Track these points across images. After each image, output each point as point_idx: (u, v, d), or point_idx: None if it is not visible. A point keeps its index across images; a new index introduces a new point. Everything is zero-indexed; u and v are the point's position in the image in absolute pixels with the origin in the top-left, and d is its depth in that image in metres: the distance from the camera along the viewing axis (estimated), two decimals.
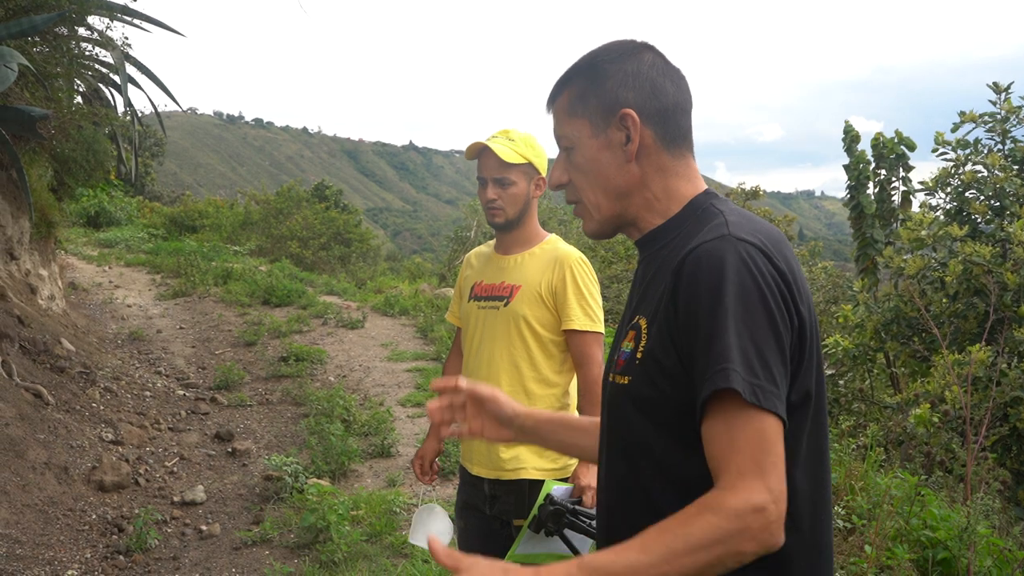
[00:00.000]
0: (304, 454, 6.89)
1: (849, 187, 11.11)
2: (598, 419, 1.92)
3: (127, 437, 6.75)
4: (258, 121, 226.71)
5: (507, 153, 3.03)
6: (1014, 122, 10.04)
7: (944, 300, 8.75)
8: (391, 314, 12.60)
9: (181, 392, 8.52)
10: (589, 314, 3.07)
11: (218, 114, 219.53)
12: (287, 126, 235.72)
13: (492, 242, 3.37)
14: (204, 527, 5.66)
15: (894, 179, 10.96)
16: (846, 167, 11.15)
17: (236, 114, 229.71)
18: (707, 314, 1.39)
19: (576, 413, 3.22)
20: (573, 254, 3.13)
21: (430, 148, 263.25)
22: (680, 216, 1.62)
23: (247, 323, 11.51)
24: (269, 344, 10.55)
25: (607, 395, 1.65)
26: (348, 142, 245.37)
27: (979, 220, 9.86)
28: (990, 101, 10.16)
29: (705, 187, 1.66)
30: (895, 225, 10.95)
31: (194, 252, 16.01)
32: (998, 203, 9.49)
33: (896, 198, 11.00)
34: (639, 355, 1.52)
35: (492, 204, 3.09)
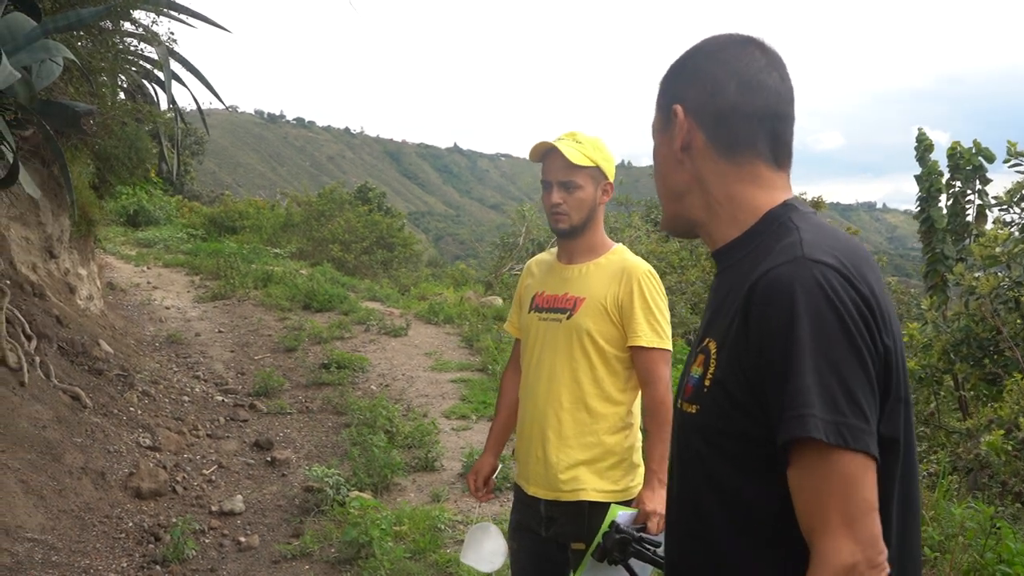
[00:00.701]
0: (345, 465, 6.87)
1: (920, 199, 10.92)
2: None
3: (165, 443, 6.78)
4: (299, 120, 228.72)
5: (574, 155, 2.98)
6: None
7: (1019, 321, 8.56)
8: (435, 322, 12.59)
9: (220, 398, 8.55)
10: (657, 330, 3.00)
11: (259, 113, 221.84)
12: (329, 126, 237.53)
13: (554, 250, 3.32)
14: (243, 538, 5.65)
15: (969, 192, 10.75)
16: (917, 178, 10.96)
17: (277, 113, 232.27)
18: (780, 350, 1.33)
19: (640, 434, 3.15)
20: (641, 266, 3.07)
21: (475, 151, 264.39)
22: (755, 229, 1.55)
23: (287, 328, 11.55)
24: (310, 350, 10.58)
25: (676, 422, 1.61)
26: (391, 143, 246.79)
27: None
28: None
29: (786, 197, 1.57)
30: (968, 241, 10.74)
31: (234, 254, 16.15)
32: None
33: (971, 212, 10.79)
34: (707, 383, 1.47)
35: (557, 209, 3.04)
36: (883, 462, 1.35)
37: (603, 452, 3.02)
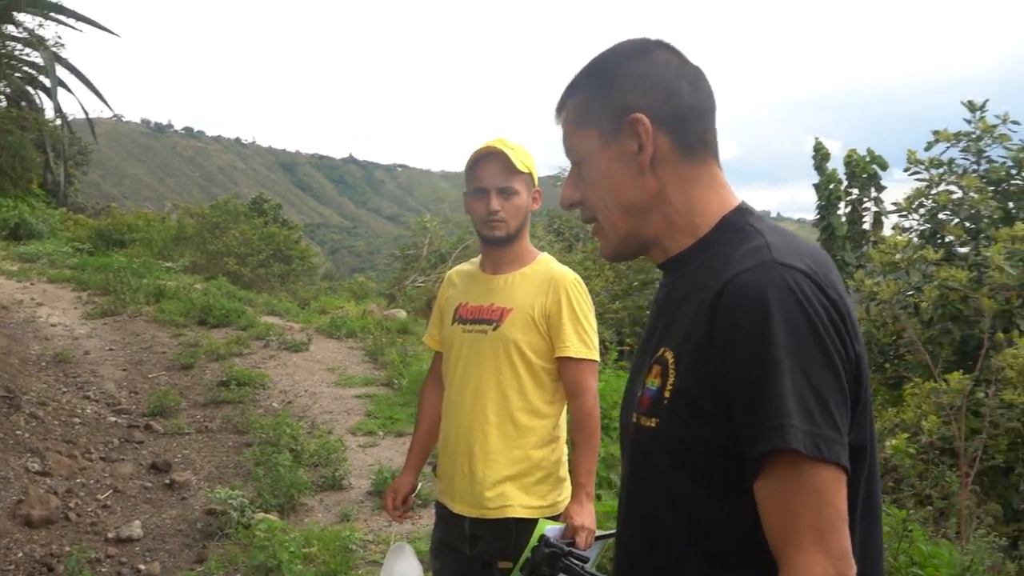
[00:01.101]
0: (249, 486, 6.71)
1: (819, 207, 11.20)
2: None
3: (56, 467, 6.53)
4: (188, 130, 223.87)
5: (515, 160, 2.96)
6: (988, 141, 10.19)
7: (918, 326, 8.82)
8: (337, 336, 12.43)
9: (113, 419, 8.27)
10: (585, 340, 3.00)
11: (146, 122, 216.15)
12: (219, 136, 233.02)
13: (476, 260, 3.28)
14: (142, 566, 5.46)
15: (866, 199, 11.07)
16: (816, 186, 11.24)
17: (165, 122, 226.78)
18: (754, 357, 1.30)
19: (566, 448, 3.14)
20: (568, 275, 3.06)
21: (371, 161, 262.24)
22: (711, 236, 1.52)
23: (183, 345, 11.26)
24: (207, 367, 10.32)
25: (630, 437, 1.55)
26: (284, 154, 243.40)
27: (954, 243, 9.97)
28: (965, 120, 10.30)
29: (738, 201, 1.56)
30: (866, 247, 11.05)
31: (123, 268, 15.65)
32: (973, 226, 9.61)
33: (868, 219, 11.11)
34: (667, 394, 1.43)
35: (495, 216, 3.00)
36: (852, 470, 1.33)
37: (530, 467, 2.99)
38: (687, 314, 1.44)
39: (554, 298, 2.99)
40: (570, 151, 1.62)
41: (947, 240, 10.13)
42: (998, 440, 6.88)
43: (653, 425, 1.45)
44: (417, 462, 3.38)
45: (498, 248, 3.09)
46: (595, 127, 1.56)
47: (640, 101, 1.52)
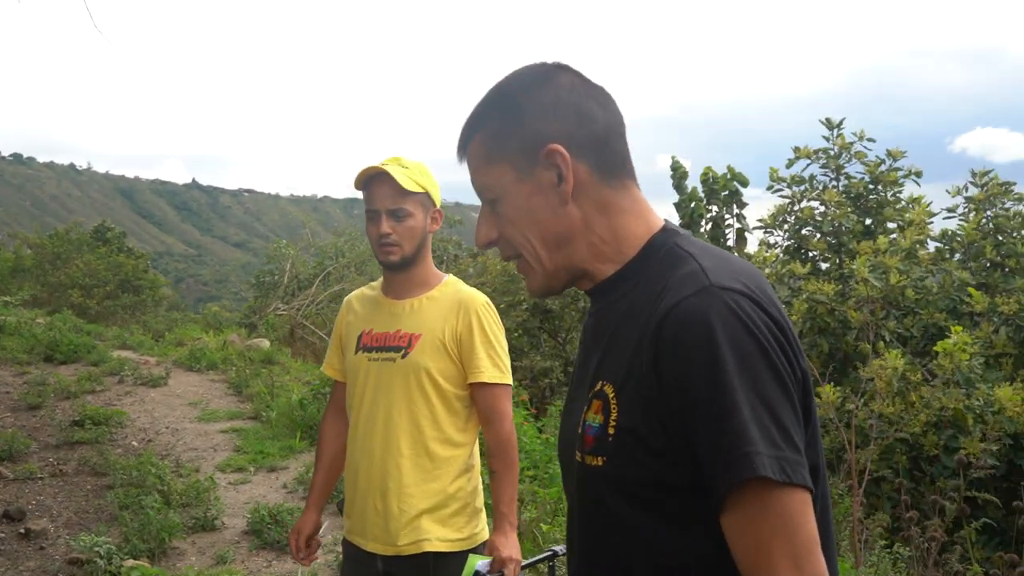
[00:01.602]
0: (114, 531, 6.40)
1: (681, 226, 11.46)
2: None
3: None
4: (17, 156, 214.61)
5: (405, 180, 2.88)
6: (847, 158, 10.65)
7: None
8: (197, 369, 12.12)
9: None
10: (498, 364, 2.96)
11: None
12: (51, 162, 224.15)
13: (376, 284, 3.21)
14: None
15: (728, 216, 11.38)
16: (677, 205, 11.50)
17: None
18: (706, 388, 1.26)
19: (479, 476, 3.08)
20: (478, 297, 3.01)
21: (216, 187, 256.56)
22: (638, 260, 1.50)
23: (28, 383, 10.76)
24: (57, 407, 9.87)
25: (575, 477, 1.50)
26: (123, 180, 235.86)
27: (817, 257, 10.37)
28: (823, 137, 10.75)
29: (662, 222, 1.54)
30: None
31: None
32: (835, 240, 10.01)
33: (731, 236, 11.42)
34: (611, 431, 1.38)
35: (386, 240, 2.92)
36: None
37: (445, 499, 2.93)
38: (625, 345, 1.41)
39: (465, 322, 2.94)
40: (482, 189, 1.56)
41: (811, 255, 10.51)
42: (868, 450, 7.15)
43: (600, 463, 1.41)
44: (320, 499, 3.27)
45: (399, 272, 3.01)
46: (508, 161, 1.51)
47: (553, 129, 1.48)
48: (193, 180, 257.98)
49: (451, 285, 3.06)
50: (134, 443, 8.81)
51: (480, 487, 3.07)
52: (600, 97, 1.53)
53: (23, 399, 10.08)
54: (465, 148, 1.57)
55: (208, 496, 7.04)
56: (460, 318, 2.94)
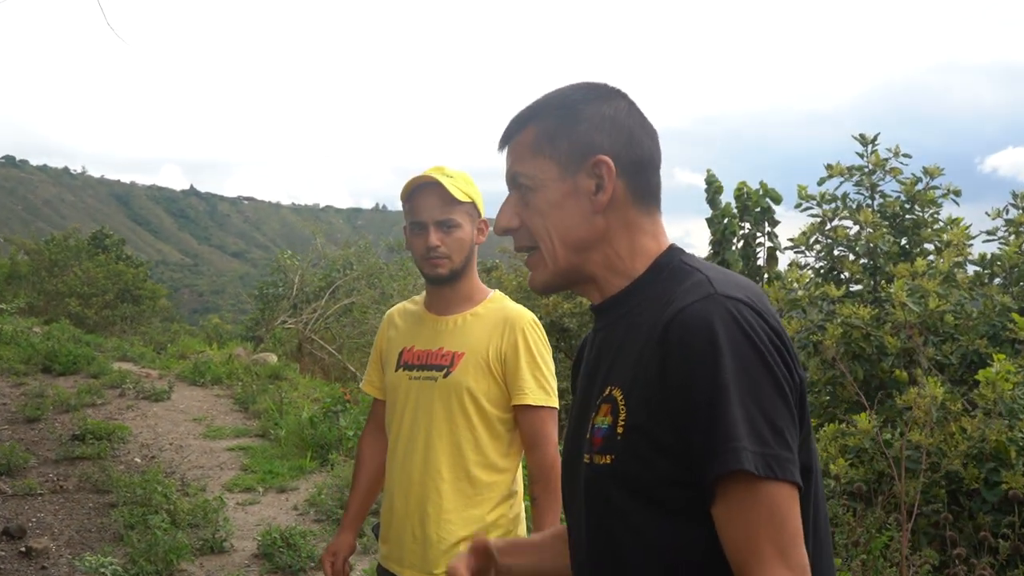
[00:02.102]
0: (119, 552, 6.34)
1: (713, 243, 11.36)
2: (555, 529, 1.98)
3: None
4: (9, 159, 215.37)
5: (454, 189, 2.83)
6: (881, 175, 10.55)
7: (820, 365, 9.00)
8: (201, 383, 12.09)
9: None
10: (544, 387, 2.88)
11: None
12: (44, 165, 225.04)
13: (419, 298, 3.15)
14: None
15: (759, 234, 11.29)
16: (709, 220, 11.42)
17: None
18: (705, 386, 1.38)
19: (521, 503, 3.02)
20: (526, 315, 2.94)
21: (214, 194, 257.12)
22: (646, 277, 1.62)
23: (26, 395, 10.76)
24: (57, 420, 9.85)
25: (582, 479, 1.59)
26: (119, 185, 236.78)
27: (850, 279, 10.26)
28: (857, 154, 10.67)
29: (670, 243, 1.67)
30: (760, 283, 11.26)
31: None
32: (870, 261, 9.92)
33: (761, 255, 11.33)
34: (620, 430, 1.49)
35: (435, 252, 2.86)
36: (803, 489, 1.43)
37: (486, 526, 2.85)
38: (631, 353, 1.53)
39: (510, 340, 2.87)
40: (518, 175, 1.66)
41: (843, 276, 10.41)
42: (916, 482, 7.04)
43: (608, 461, 1.50)
44: (356, 520, 3.22)
45: (444, 286, 2.95)
46: (554, 159, 1.62)
47: (605, 143, 1.60)
48: (191, 187, 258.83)
49: (497, 301, 3.00)
50: (137, 459, 8.75)
51: (523, 515, 3.02)
52: (649, 130, 1.67)
53: (21, 411, 10.05)
54: (512, 137, 1.68)
55: (216, 517, 6.96)
56: (505, 336, 2.88)
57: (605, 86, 1.68)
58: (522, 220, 1.66)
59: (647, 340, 1.48)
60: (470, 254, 2.94)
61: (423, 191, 2.87)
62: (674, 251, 1.64)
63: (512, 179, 1.67)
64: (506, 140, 1.69)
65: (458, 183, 2.87)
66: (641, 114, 1.67)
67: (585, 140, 1.60)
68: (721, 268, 1.58)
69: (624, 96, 1.68)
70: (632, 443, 1.47)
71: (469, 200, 2.88)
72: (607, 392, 1.55)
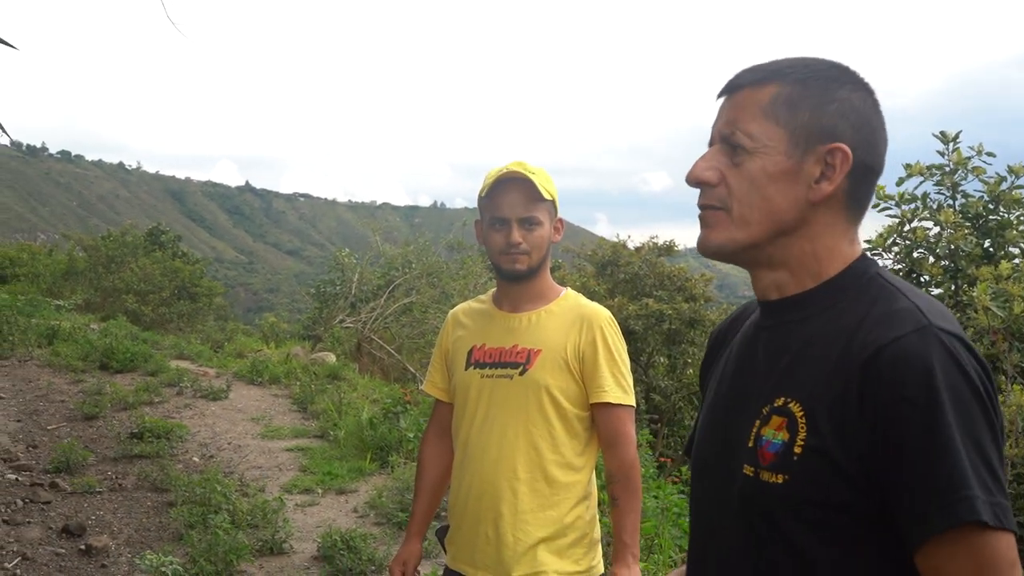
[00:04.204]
0: (179, 551, 6.47)
1: None
2: None
3: None
4: (65, 154, 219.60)
5: (540, 187, 2.87)
6: (963, 174, 10.40)
7: None
8: (259, 382, 12.26)
9: (12, 476, 7.95)
10: (622, 385, 2.92)
11: (16, 144, 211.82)
12: (100, 160, 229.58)
13: (485, 297, 3.18)
14: None
15: None
16: None
17: (38, 145, 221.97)
18: (923, 429, 1.33)
19: (595, 506, 3.05)
20: (602, 312, 2.98)
21: (270, 190, 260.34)
22: (835, 283, 1.53)
23: (84, 392, 10.97)
24: (115, 417, 10.03)
25: (740, 493, 1.53)
26: (173, 181, 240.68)
27: (930, 282, 10.14)
28: (938, 152, 10.52)
29: (862, 249, 1.58)
30: None
31: (8, 307, 15.21)
32: (951, 264, 9.79)
33: None
34: (797, 450, 1.44)
35: (517, 249, 2.91)
36: None
37: (563, 528, 2.89)
38: (818, 367, 1.46)
39: (588, 337, 2.91)
40: (738, 132, 1.54)
41: (923, 280, 10.28)
42: None
43: (780, 481, 1.45)
44: (422, 526, 3.26)
45: (518, 284, 2.99)
46: (787, 129, 1.52)
47: (848, 134, 1.51)
48: (246, 183, 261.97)
49: (571, 298, 3.04)
50: (195, 459, 8.91)
51: (597, 516, 3.05)
52: (885, 137, 1.57)
53: (79, 408, 10.26)
54: (742, 87, 1.57)
55: (276, 518, 7.07)
56: (583, 334, 2.91)
57: (857, 74, 1.57)
58: (723, 177, 1.55)
59: (842, 359, 1.42)
60: (547, 253, 2.99)
61: (507, 186, 2.90)
62: (868, 261, 1.55)
63: (726, 133, 1.56)
64: (733, 89, 1.58)
65: (541, 179, 2.90)
66: (883, 117, 1.57)
67: (829, 122, 1.50)
68: (920, 291, 1.50)
69: (873, 92, 1.57)
70: (811, 466, 1.42)
71: (551, 198, 2.93)
72: (780, 403, 1.49)
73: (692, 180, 1.59)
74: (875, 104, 1.56)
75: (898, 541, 1.37)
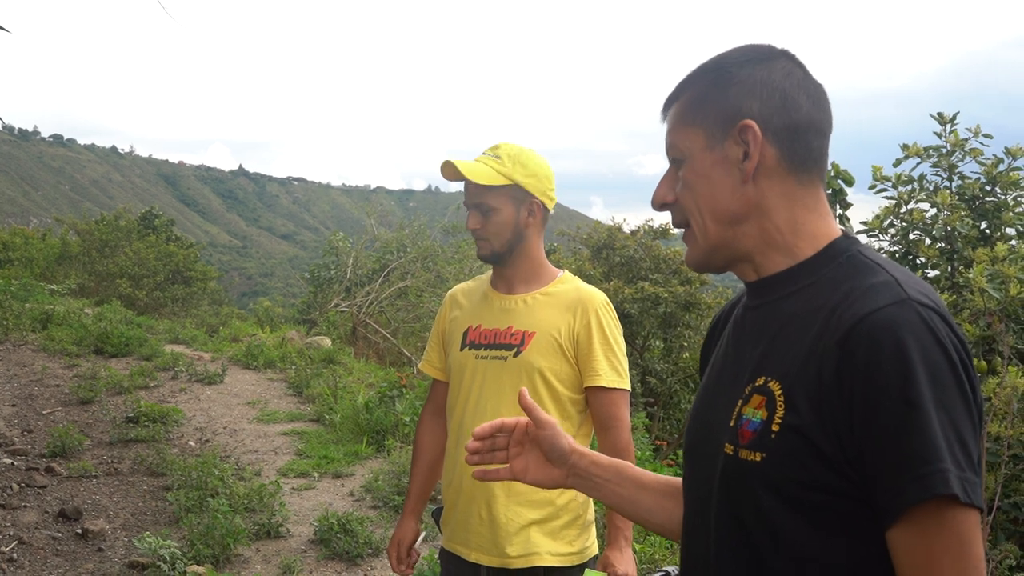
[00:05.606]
0: (176, 535, 6.51)
1: None
2: (672, 479, 1.87)
3: None
4: (57, 138, 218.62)
5: (481, 173, 2.87)
6: (960, 156, 10.41)
7: None
8: (254, 367, 12.29)
9: (8, 460, 7.98)
10: (617, 368, 2.93)
11: (8, 128, 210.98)
12: (92, 144, 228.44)
13: (483, 277, 3.20)
14: None
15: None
16: None
17: (30, 128, 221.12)
18: (897, 402, 1.31)
19: None
20: (598, 296, 2.99)
21: (263, 174, 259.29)
22: (815, 260, 1.54)
23: (79, 377, 10.99)
24: (110, 402, 10.07)
25: (719, 469, 1.55)
26: (166, 165, 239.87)
27: (926, 264, 10.16)
28: (935, 133, 10.52)
29: (841, 229, 1.59)
30: None
31: (2, 291, 15.20)
32: (947, 245, 9.81)
33: None
34: (775, 427, 1.43)
35: (475, 234, 2.96)
36: None
37: (557, 510, 2.92)
38: (795, 345, 1.46)
39: (583, 321, 2.92)
40: (671, 148, 1.62)
41: (919, 261, 10.29)
42: (998, 475, 7.01)
43: (757, 459, 1.46)
44: (418, 506, 3.28)
45: (501, 267, 3.02)
46: (702, 127, 1.57)
47: (754, 108, 1.53)
48: (240, 167, 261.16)
49: (568, 281, 3.04)
50: (191, 443, 8.95)
51: (590, 498, 3.07)
52: (812, 91, 1.57)
53: (74, 393, 10.28)
54: (669, 107, 1.64)
55: (273, 501, 7.11)
56: (578, 317, 2.92)
57: (766, 47, 1.61)
58: (676, 194, 1.62)
59: (820, 337, 1.42)
60: (517, 236, 2.95)
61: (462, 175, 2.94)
62: (849, 239, 1.56)
63: (667, 151, 1.64)
64: (664, 112, 1.66)
65: (501, 165, 2.90)
66: (803, 75, 1.58)
67: (733, 106, 1.54)
68: (903, 267, 1.49)
69: (786, 56, 1.59)
70: (787, 444, 1.42)
71: (509, 183, 2.90)
72: (761, 383, 1.50)
73: (654, 204, 1.68)
74: (789, 67, 1.58)
75: (879, 523, 1.36)
